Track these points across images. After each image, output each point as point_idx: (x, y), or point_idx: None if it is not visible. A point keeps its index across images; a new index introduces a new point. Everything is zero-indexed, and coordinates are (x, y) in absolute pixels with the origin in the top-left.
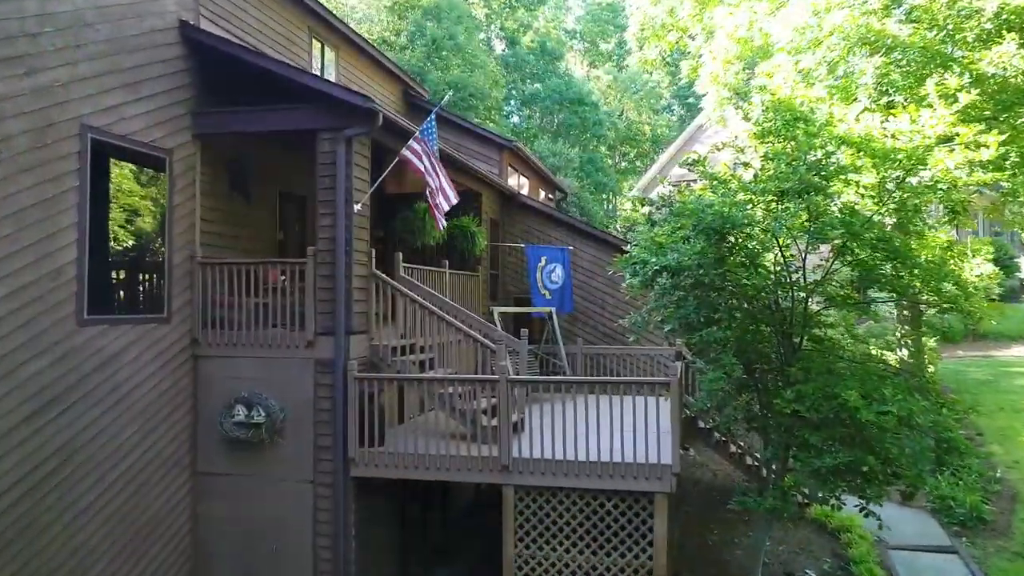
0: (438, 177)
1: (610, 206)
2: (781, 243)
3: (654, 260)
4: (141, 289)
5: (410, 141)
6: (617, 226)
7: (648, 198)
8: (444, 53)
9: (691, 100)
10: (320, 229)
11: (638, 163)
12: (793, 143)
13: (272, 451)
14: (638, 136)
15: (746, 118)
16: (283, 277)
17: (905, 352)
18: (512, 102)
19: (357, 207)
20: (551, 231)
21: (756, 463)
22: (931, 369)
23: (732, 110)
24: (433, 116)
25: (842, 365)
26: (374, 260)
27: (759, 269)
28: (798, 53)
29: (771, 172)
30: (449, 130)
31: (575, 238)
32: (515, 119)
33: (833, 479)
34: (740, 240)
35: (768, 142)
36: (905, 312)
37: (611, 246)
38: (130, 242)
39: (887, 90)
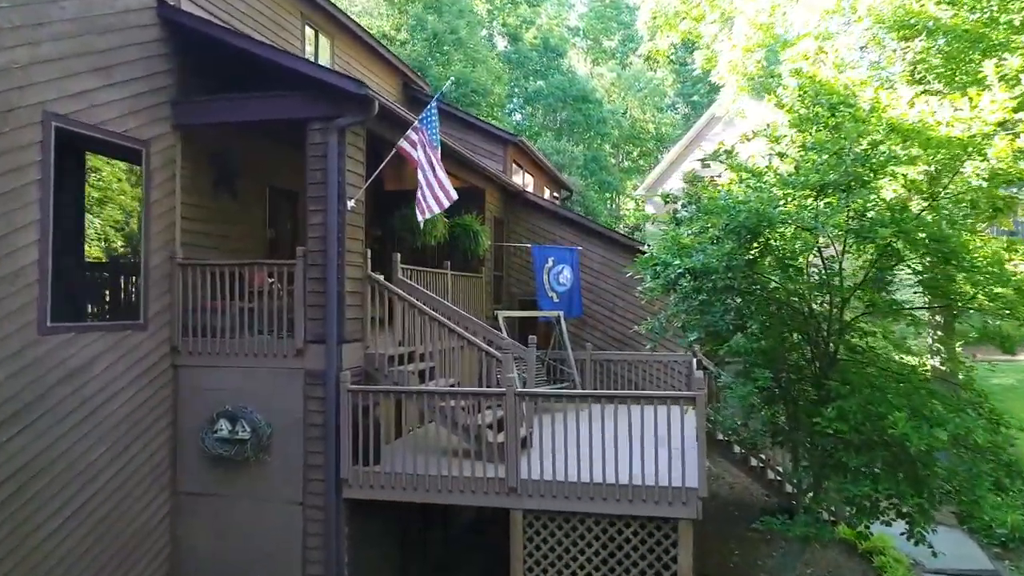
0: (433, 171)
1: (613, 206)
2: (820, 243)
3: (677, 262)
4: (114, 293)
5: (408, 131)
6: (620, 226)
7: (672, 194)
8: (445, 48)
9: (696, 98)
10: (310, 228)
11: (641, 162)
12: (837, 131)
13: (258, 470)
14: (642, 134)
15: (779, 105)
16: (271, 280)
17: (937, 360)
18: (515, 100)
19: (351, 203)
20: (558, 230)
21: (778, 478)
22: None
23: (749, 100)
24: (434, 105)
25: (884, 378)
26: (370, 261)
27: (793, 271)
28: (825, 40)
29: (811, 164)
30: (451, 124)
31: (583, 238)
32: (517, 117)
33: (872, 507)
34: (774, 240)
35: (806, 130)
36: (937, 317)
37: (622, 246)
38: (101, 242)
39: (924, 77)
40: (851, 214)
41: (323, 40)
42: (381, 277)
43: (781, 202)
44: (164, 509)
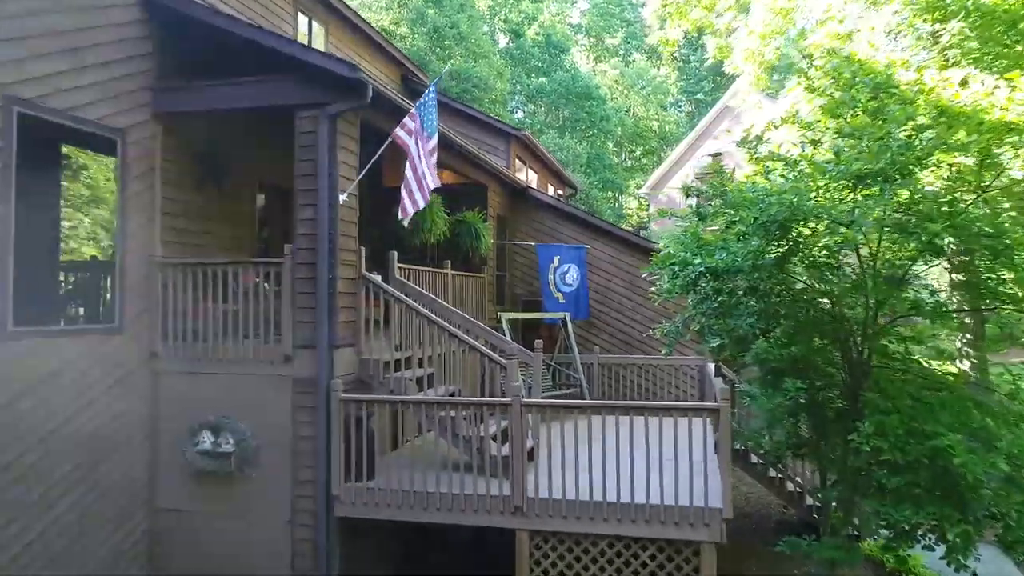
0: (421, 163)
1: (617, 205)
2: (860, 239)
3: (698, 261)
4: (86, 294)
5: (404, 119)
6: (624, 226)
7: (694, 186)
8: (446, 42)
9: (700, 96)
10: (300, 223)
11: (644, 161)
12: (878, 116)
13: (243, 486)
14: (645, 132)
15: (810, 89)
16: (258, 280)
17: (967, 364)
18: (516, 97)
19: (343, 197)
20: (564, 228)
21: (798, 489)
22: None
23: (757, 95)
24: (432, 89)
25: (925, 388)
26: (364, 260)
27: (828, 271)
28: (850, 20)
29: (851, 150)
30: (451, 118)
31: (591, 236)
32: (519, 115)
33: (912, 530)
34: (805, 236)
35: (841, 115)
36: (967, 319)
37: (631, 245)
38: (72, 239)
39: (959, 61)
40: (892, 207)
41: (316, 27)
42: (378, 277)
43: (812, 195)
44: (141, 528)
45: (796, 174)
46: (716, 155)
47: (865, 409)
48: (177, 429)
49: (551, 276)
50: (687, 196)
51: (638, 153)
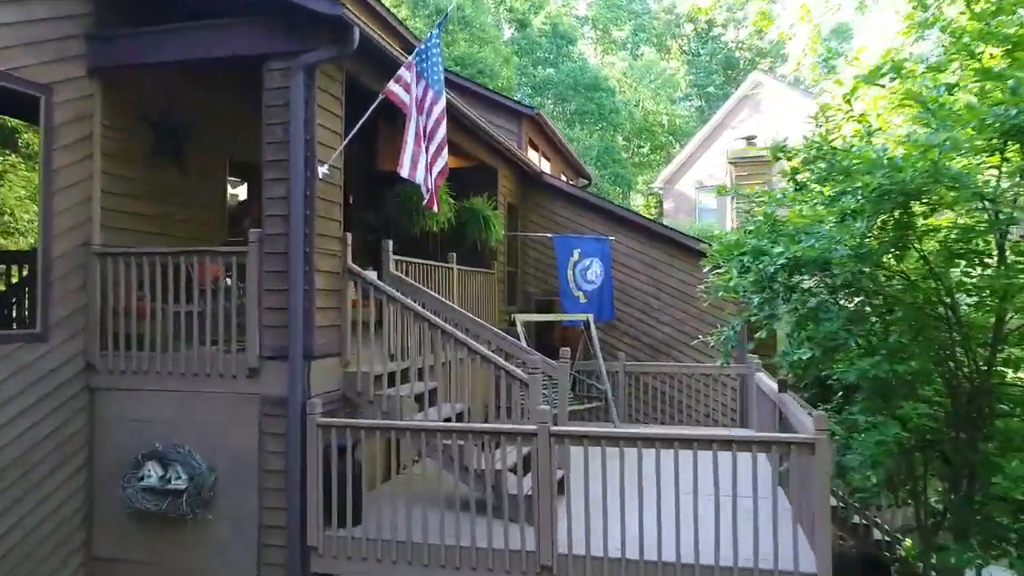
0: (427, 120)
1: (626, 201)
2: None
3: (778, 250)
4: None
5: (400, 70)
6: None
7: (790, 148)
8: (451, 27)
9: (711, 89)
10: (267, 203)
11: (653, 157)
12: None
13: (198, 532)
14: (655, 127)
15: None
16: (220, 275)
17: None
18: (523, 88)
19: (323, 170)
20: (581, 219)
21: (863, 522)
22: None
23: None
24: (436, 33)
25: None
26: (351, 249)
27: (967, 263)
28: None
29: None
30: (456, 95)
31: (612, 228)
32: None
33: None
34: (924, 212)
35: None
36: None
37: (658, 237)
38: None
39: None
40: None
41: None
42: (373, 275)
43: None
44: None
45: (945, 116)
46: (750, 138)
47: (991, 440)
48: (117, 459)
49: (571, 272)
50: (775, 158)
51: (646, 149)
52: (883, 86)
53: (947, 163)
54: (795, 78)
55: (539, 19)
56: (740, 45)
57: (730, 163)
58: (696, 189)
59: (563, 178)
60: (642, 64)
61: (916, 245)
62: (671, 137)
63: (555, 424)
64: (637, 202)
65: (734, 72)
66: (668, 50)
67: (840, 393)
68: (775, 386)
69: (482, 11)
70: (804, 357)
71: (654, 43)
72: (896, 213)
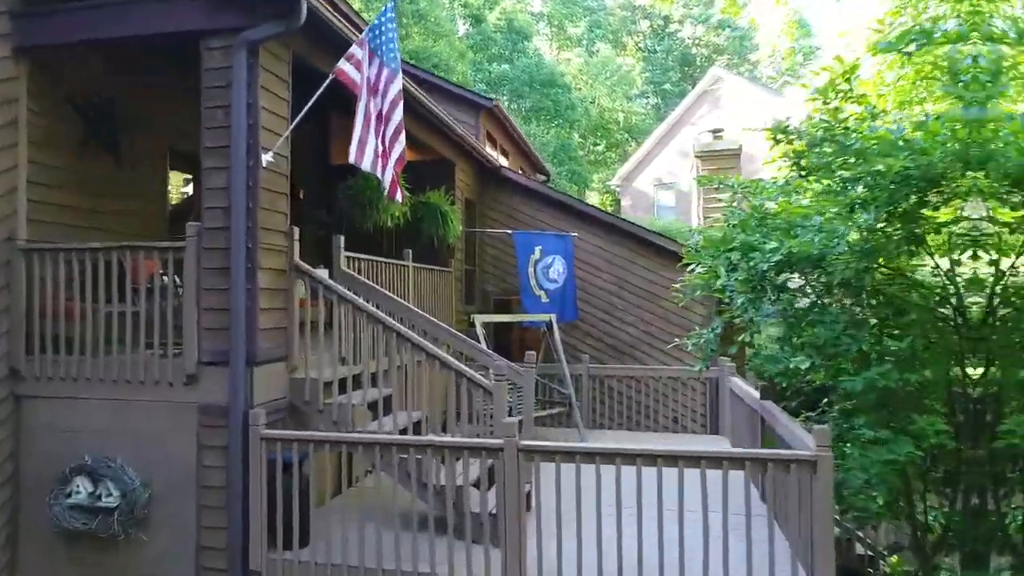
0: (382, 101)
1: (582, 198)
2: None
3: (771, 246)
4: None
5: (351, 48)
6: None
7: (794, 128)
8: (404, 20)
9: (667, 86)
10: (207, 194)
11: (609, 155)
12: None
13: (131, 553)
14: (610, 124)
15: None
16: (156, 272)
17: None
18: (479, 85)
19: (267, 158)
20: (542, 215)
21: (870, 554)
22: None
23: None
24: (392, 6)
25: None
26: (298, 246)
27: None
28: None
29: None
30: (412, 84)
31: (573, 223)
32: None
33: None
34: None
35: None
36: None
37: (621, 233)
38: None
39: None
40: None
41: None
42: (324, 273)
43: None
44: None
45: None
46: (717, 131)
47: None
48: (43, 474)
49: (532, 270)
50: (776, 140)
51: (601, 147)
52: (910, 54)
53: (991, 141)
54: (754, 75)
55: (494, 15)
56: (697, 42)
57: (697, 156)
58: (655, 186)
59: (521, 173)
60: (598, 61)
61: (929, 240)
62: (627, 134)
63: (521, 432)
64: (593, 200)
65: (691, 69)
66: (624, 47)
67: (824, 402)
68: (754, 392)
69: (437, 5)
70: (803, 367)
71: (610, 39)
72: (905, 204)
